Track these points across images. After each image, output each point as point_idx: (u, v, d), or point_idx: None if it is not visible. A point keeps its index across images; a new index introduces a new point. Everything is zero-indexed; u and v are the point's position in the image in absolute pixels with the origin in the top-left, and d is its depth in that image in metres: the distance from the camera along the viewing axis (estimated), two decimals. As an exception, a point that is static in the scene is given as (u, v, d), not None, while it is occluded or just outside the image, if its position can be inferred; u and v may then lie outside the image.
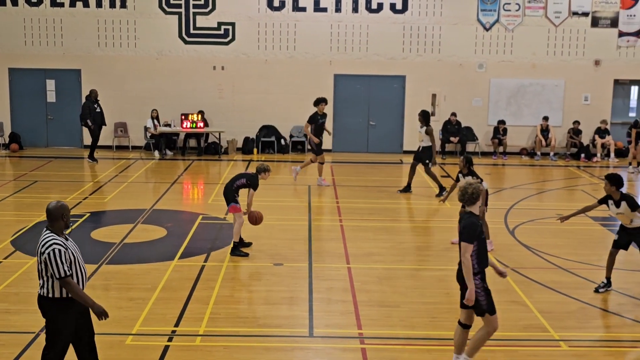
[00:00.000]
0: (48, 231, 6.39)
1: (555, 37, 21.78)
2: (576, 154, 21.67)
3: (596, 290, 9.91)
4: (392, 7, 21.65)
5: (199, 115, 21.37)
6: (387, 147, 22.34)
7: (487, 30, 21.74)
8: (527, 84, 22.03)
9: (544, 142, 21.57)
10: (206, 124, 21.62)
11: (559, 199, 16.66)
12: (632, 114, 22.66)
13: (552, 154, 21.64)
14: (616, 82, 22.23)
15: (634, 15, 21.67)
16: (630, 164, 19.94)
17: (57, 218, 6.39)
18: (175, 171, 19.00)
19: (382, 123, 22.37)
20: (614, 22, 21.73)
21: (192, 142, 22.25)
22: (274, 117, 22.18)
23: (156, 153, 21.16)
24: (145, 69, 21.89)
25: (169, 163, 20.34)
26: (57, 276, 6.22)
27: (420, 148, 16.24)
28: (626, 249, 9.94)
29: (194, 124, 21.26)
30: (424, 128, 16.02)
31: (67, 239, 6.44)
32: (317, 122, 16.98)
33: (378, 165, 20.45)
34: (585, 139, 21.86)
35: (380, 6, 21.67)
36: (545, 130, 21.57)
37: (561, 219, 10.13)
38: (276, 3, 21.66)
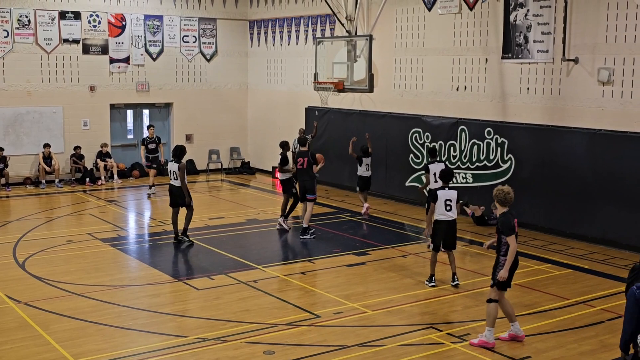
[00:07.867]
0: None
1: (49, 64, 21.73)
2: (81, 179, 21.92)
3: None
4: None
5: None
6: None
7: (-25, 57, 20.63)
8: (24, 112, 21.51)
9: (47, 170, 21.32)
10: None
11: (69, 225, 16.68)
12: (130, 136, 23.83)
13: (57, 180, 21.51)
14: (112, 106, 23.11)
15: (122, 43, 22.82)
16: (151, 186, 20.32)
17: None
18: None
19: None
20: (104, 50, 22.55)
21: None
22: None
23: None
24: None
25: None
26: None
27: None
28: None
29: None
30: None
31: None
32: None
33: None
34: (88, 163, 22.25)
35: None
36: (48, 158, 21.33)
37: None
38: None
